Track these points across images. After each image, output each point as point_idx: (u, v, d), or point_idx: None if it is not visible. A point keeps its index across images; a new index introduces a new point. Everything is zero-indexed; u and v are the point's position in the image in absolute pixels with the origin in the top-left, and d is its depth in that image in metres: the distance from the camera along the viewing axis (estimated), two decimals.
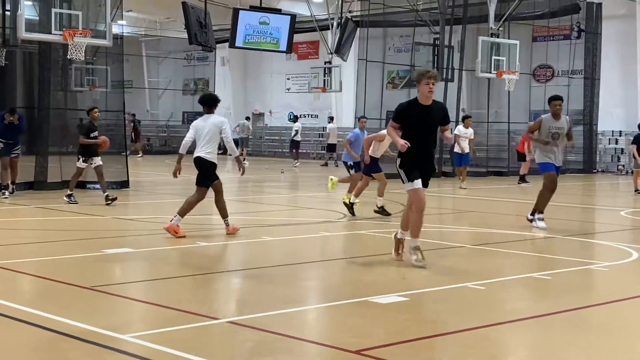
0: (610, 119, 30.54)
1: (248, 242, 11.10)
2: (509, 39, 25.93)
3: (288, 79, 40.65)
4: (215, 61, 41.40)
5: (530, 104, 32.35)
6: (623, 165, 30.02)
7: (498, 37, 24.95)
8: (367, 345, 5.79)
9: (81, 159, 15.56)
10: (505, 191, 21.38)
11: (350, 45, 29.13)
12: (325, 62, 31.67)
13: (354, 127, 27.04)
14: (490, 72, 24.47)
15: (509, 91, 26.20)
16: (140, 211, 14.45)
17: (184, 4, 21.04)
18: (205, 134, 10.91)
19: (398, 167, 9.13)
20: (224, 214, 11.31)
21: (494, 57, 24.19)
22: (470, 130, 21.55)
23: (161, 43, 44.72)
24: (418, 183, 9.00)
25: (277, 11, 22.41)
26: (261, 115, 41.94)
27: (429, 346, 5.97)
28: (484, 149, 31.79)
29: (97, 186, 19.22)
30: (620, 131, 30.48)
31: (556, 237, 12.21)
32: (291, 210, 14.00)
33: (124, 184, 19.33)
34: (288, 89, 40.72)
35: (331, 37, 30.76)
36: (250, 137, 36.01)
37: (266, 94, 41.94)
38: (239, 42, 20.99)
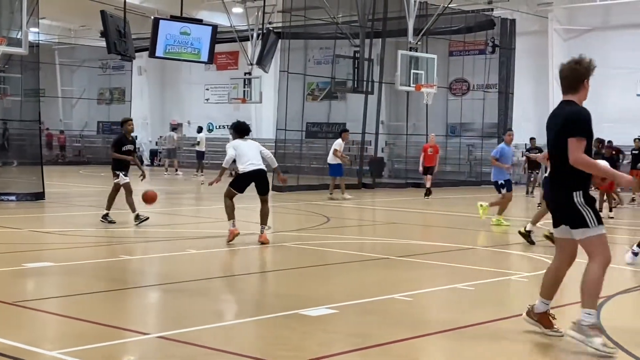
0: (523, 132, 31.38)
1: (173, 255, 10.96)
2: (427, 53, 26.40)
3: (207, 89, 40.46)
4: (131, 70, 40.86)
5: (447, 117, 33.05)
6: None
7: (417, 51, 25.37)
8: (300, 359, 5.80)
9: (121, 174, 14.09)
10: (423, 203, 21.70)
11: (272, 57, 29.19)
12: (245, 73, 31.64)
13: (275, 138, 27.30)
14: (409, 86, 24.85)
15: (427, 104, 26.66)
16: (57, 223, 14.11)
17: (102, 12, 20.72)
18: (253, 152, 12.00)
19: (582, 204, 6.18)
20: (265, 221, 12.16)
21: (412, 71, 24.57)
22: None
23: (75, 51, 43.90)
24: (604, 227, 6.30)
25: (199, 21, 22.28)
26: (179, 125, 41.58)
27: (360, 358, 6.01)
28: (402, 161, 32.32)
29: (12, 198, 18.75)
30: None
31: (476, 248, 12.48)
32: (213, 222, 13.88)
33: (39, 196, 18.85)
34: (207, 100, 40.51)
35: (251, 48, 30.76)
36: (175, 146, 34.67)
37: (184, 104, 41.61)
38: (159, 52, 20.78)
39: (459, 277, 9.49)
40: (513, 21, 30.71)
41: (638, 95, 28.76)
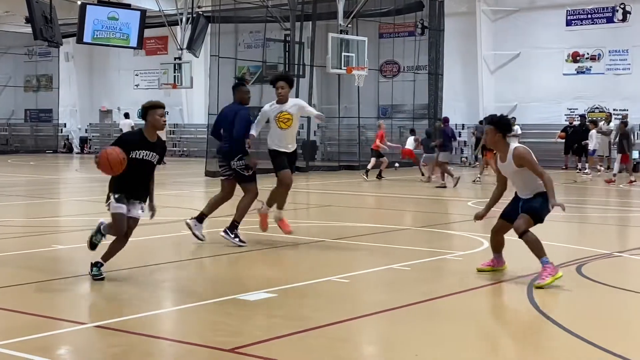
0: (454, 112, 31.86)
1: (106, 244, 10.78)
2: (357, 35, 26.50)
3: (136, 75, 39.92)
4: (58, 57, 40.04)
5: (378, 99, 33.29)
6: (466, 157, 31.42)
7: (347, 34, 25.46)
8: (241, 343, 5.82)
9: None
10: (356, 185, 21.88)
11: (202, 41, 28.92)
12: (175, 58, 31.29)
13: (207, 123, 27.08)
14: (340, 68, 24.95)
15: (358, 87, 26.81)
16: None
17: None
18: None
19: None
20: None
21: (343, 54, 24.66)
22: None
23: (0, 37, 42.76)
24: None
25: (127, 6, 21.94)
26: (109, 112, 40.96)
27: (300, 341, 6.06)
28: (335, 144, 32.47)
29: None
30: (462, 124, 31.87)
31: (410, 228, 12.64)
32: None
33: None
34: (137, 85, 39.96)
35: (180, 33, 30.42)
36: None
37: (114, 90, 40.97)
38: (87, 37, 20.43)
39: (395, 257, 9.62)
40: (441, 3, 31.01)
41: (564, 74, 29.43)
